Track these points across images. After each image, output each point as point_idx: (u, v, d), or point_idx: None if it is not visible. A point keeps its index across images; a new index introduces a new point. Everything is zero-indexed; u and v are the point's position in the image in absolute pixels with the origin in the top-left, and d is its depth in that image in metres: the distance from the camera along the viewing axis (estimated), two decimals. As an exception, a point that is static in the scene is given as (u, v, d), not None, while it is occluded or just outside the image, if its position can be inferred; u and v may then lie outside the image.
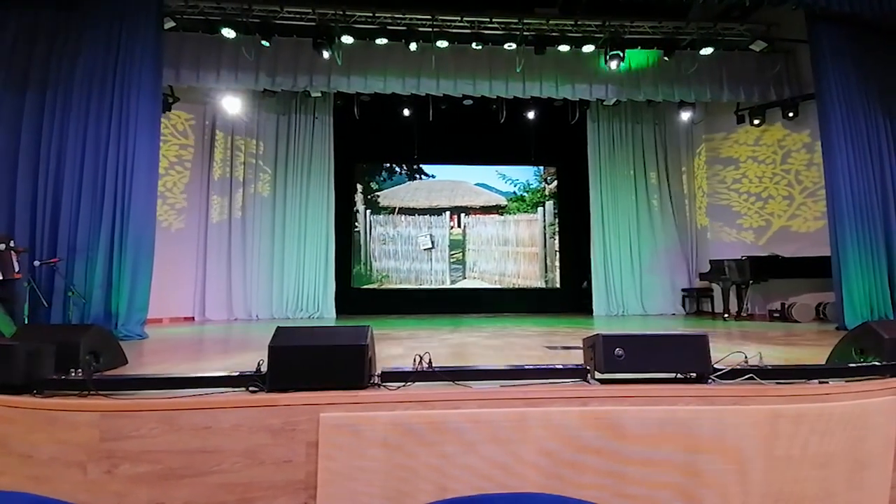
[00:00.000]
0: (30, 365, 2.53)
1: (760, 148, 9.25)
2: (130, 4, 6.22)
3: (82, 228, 5.83)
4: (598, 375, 2.69)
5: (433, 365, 2.67)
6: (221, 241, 9.39)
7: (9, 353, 2.51)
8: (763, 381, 2.66)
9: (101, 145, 5.97)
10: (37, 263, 5.52)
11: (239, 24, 7.64)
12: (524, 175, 11.21)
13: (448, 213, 10.99)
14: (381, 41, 8.03)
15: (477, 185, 11.16)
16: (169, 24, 7.30)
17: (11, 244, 5.27)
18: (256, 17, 7.72)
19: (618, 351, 2.59)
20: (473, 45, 8.09)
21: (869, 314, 6.21)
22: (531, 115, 9.72)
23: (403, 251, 10.84)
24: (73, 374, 2.59)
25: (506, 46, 8.15)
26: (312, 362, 2.51)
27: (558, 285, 10.94)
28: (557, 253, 10.95)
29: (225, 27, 7.61)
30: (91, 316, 5.68)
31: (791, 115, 8.69)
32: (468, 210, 11.04)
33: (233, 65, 7.91)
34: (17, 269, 5.18)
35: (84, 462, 2.28)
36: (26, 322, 5.20)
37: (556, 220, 11.14)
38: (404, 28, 7.99)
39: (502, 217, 11.09)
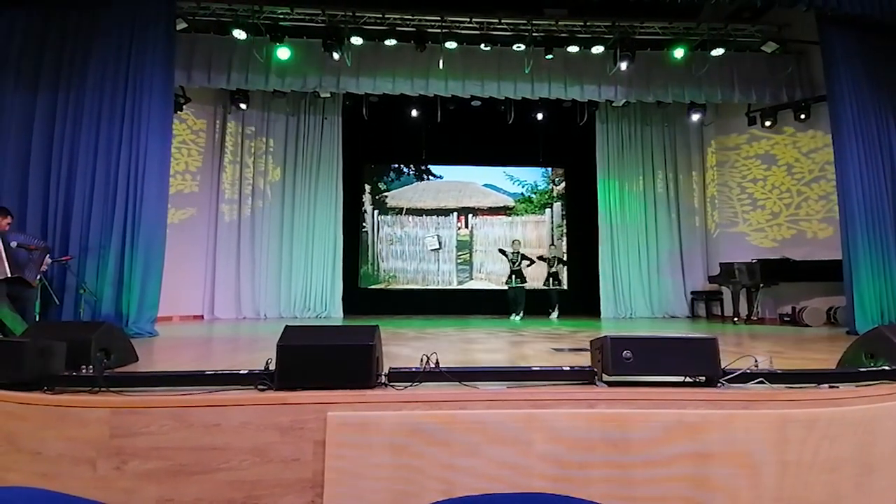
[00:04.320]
0: (40, 362, 2.55)
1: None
2: (142, 5, 6.27)
3: (94, 227, 5.89)
4: (605, 378, 2.67)
5: (440, 365, 2.67)
6: (231, 241, 9.45)
7: (19, 350, 2.53)
8: (773, 386, 2.64)
9: (113, 145, 6.03)
10: (49, 261, 5.57)
11: (250, 26, 7.70)
12: (532, 176, 11.19)
13: (455, 213, 10.99)
14: (391, 42, 8.05)
15: (485, 186, 11.15)
16: (181, 26, 7.35)
17: (47, 257, 5.33)
18: (267, 19, 7.78)
19: (626, 353, 2.57)
20: (482, 46, 8.09)
21: (880, 318, 6.16)
22: (539, 116, 9.70)
23: (411, 252, 10.85)
24: (83, 371, 2.61)
25: (514, 47, 8.15)
26: (320, 361, 2.52)
27: (566, 287, 10.90)
28: (565, 254, 10.93)
29: (236, 28, 7.67)
30: (102, 313, 5.73)
31: (802, 116, 8.63)
32: (476, 211, 11.03)
33: (244, 66, 7.97)
34: (37, 277, 5.22)
35: (94, 458, 2.30)
36: (37, 319, 5.25)
37: (564, 222, 11.11)
38: (413, 29, 8.01)
39: (510, 218, 11.07)
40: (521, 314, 9.19)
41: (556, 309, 9.48)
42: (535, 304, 9.81)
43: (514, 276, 9.35)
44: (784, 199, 9.12)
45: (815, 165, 8.78)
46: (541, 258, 9.75)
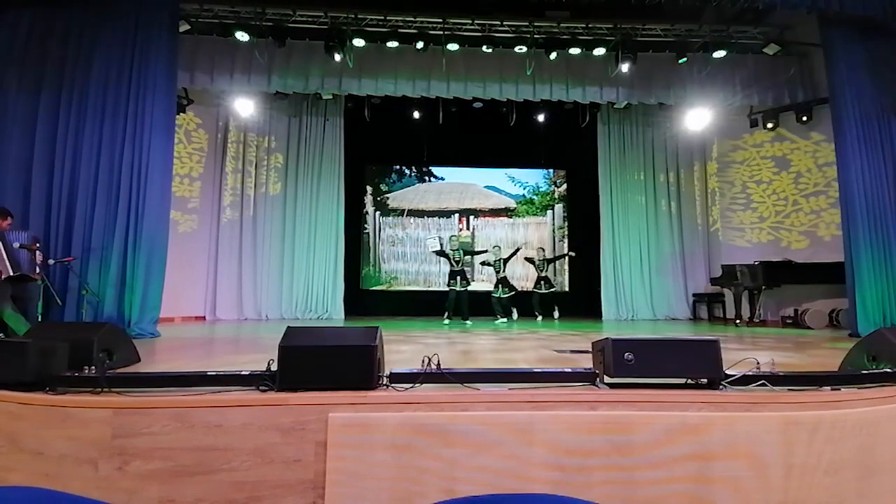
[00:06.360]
0: (43, 362, 2.56)
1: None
2: (146, 7, 6.29)
3: (97, 228, 5.89)
4: (607, 380, 2.67)
5: (441, 367, 2.67)
6: (233, 242, 9.47)
7: (22, 351, 2.53)
8: (775, 388, 2.64)
9: (116, 146, 6.04)
10: (51, 262, 5.58)
11: (252, 28, 7.72)
12: (533, 178, 11.20)
13: (457, 215, 11.00)
14: (393, 44, 8.07)
15: (486, 187, 11.16)
16: (184, 28, 7.38)
17: (37, 245, 5.35)
18: (269, 21, 7.80)
19: (627, 355, 2.57)
20: (484, 47, 8.12)
21: (882, 321, 6.14)
22: (541, 117, 9.72)
23: (412, 253, 10.86)
24: (86, 372, 2.62)
25: (516, 49, 8.16)
26: (322, 362, 2.52)
27: (567, 289, 10.90)
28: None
29: (238, 30, 7.70)
30: (104, 314, 5.74)
31: (805, 118, 8.62)
32: (477, 212, 11.04)
33: (246, 67, 8.00)
34: (37, 271, 5.26)
35: (96, 459, 2.30)
36: (40, 320, 5.26)
37: (566, 224, 11.11)
38: (415, 31, 8.03)
39: (511, 220, 11.08)
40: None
41: (513, 313, 9.15)
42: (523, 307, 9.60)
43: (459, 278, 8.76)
44: (778, 206, 9.14)
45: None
46: (496, 260, 9.33)
